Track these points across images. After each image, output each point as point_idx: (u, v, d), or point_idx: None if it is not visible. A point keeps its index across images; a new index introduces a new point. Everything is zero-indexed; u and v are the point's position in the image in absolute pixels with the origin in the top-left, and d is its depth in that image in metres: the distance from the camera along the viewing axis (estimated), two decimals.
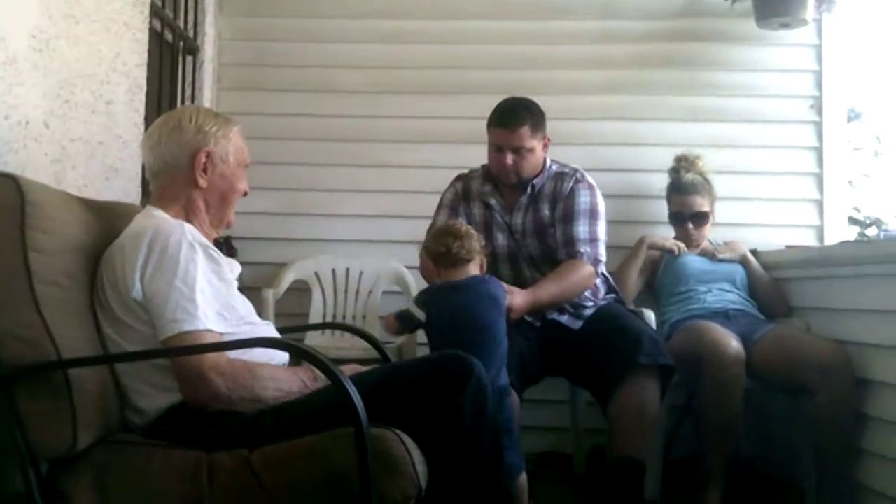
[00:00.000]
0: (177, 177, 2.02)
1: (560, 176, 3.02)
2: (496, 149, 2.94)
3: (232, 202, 2.10)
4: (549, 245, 2.96)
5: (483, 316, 2.41)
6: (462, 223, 2.66)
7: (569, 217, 2.94)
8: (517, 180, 2.95)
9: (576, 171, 3.04)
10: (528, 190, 2.98)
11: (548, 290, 2.81)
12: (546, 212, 2.97)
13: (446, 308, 2.43)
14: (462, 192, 3.09)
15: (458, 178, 3.15)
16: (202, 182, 2.02)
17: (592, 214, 2.96)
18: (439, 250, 2.50)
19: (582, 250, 2.89)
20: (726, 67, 3.93)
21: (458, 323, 2.39)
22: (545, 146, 2.99)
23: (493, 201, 3.03)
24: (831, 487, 2.83)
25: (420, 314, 2.46)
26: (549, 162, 3.05)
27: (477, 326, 2.38)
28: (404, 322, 2.51)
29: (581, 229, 2.92)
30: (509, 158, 2.90)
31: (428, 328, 2.48)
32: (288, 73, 3.98)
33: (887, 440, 2.73)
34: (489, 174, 3.06)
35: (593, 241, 2.94)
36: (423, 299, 2.51)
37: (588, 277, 2.90)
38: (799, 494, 3.07)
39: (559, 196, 2.97)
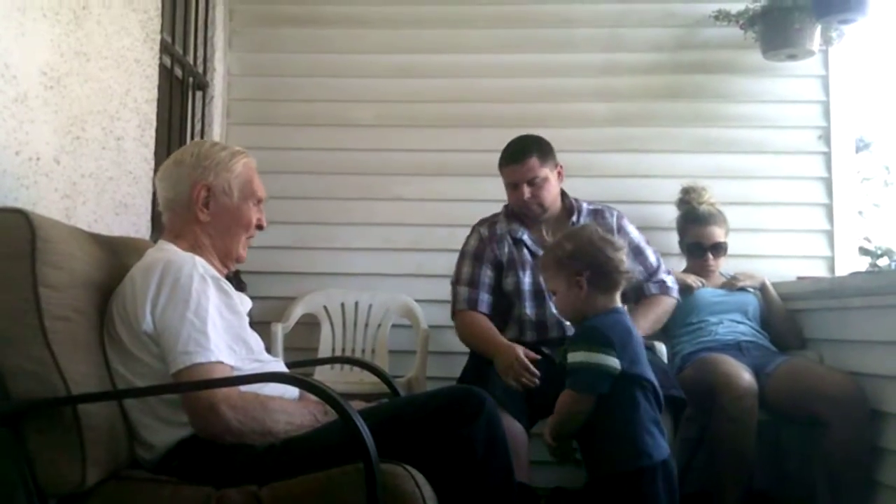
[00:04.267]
0: (179, 212, 2.03)
1: (595, 214, 3.09)
2: (513, 187, 2.99)
3: (237, 236, 2.08)
4: None
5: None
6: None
7: (637, 250, 3.06)
8: (541, 212, 2.99)
9: (608, 206, 3.13)
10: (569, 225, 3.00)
11: (643, 326, 2.90)
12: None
13: (636, 339, 2.13)
14: (489, 236, 3.06)
15: (481, 222, 3.14)
16: (203, 216, 2.02)
17: (648, 244, 3.12)
18: (609, 265, 2.13)
19: (673, 288, 3.09)
20: (733, 99, 3.95)
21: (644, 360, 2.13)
22: (559, 175, 3.03)
23: (524, 236, 3.03)
24: None
25: (614, 360, 2.02)
26: (574, 200, 3.10)
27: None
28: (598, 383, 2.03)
29: (654, 258, 3.09)
30: (527, 192, 2.94)
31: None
32: (298, 108, 4.01)
33: None
34: (513, 214, 3.08)
35: (669, 271, 3.13)
36: (609, 334, 2.05)
37: (671, 310, 3.09)
38: None
39: (609, 231, 2.92)
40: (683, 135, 3.93)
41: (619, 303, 2.19)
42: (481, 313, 2.96)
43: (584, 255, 2.15)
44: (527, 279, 2.97)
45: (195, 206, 2.01)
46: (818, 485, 3.02)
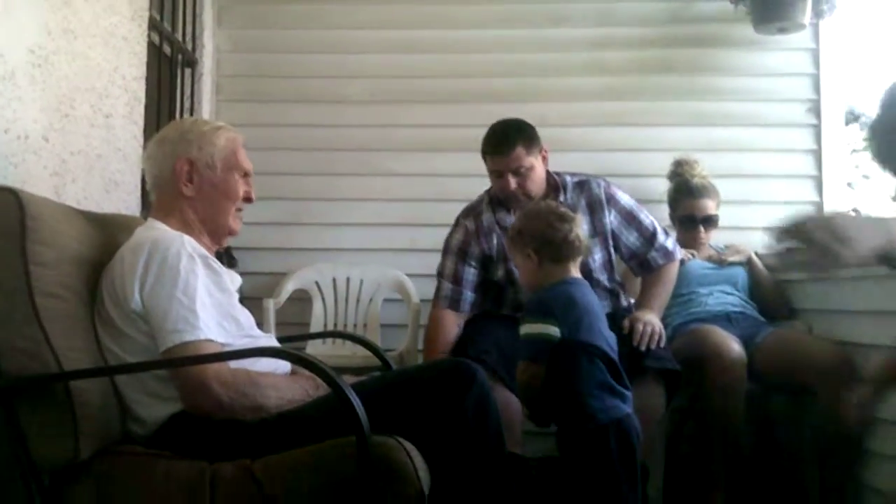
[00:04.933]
0: (166, 189, 2.04)
1: (582, 185, 3.02)
2: (497, 175, 2.92)
3: (226, 210, 2.07)
4: (610, 254, 2.98)
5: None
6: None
7: (630, 216, 3.01)
8: (528, 200, 2.90)
9: (593, 177, 3.07)
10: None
11: (659, 305, 2.96)
12: (584, 226, 2.92)
13: (582, 308, 2.20)
14: (475, 230, 2.99)
15: (465, 214, 3.06)
16: (187, 191, 2.02)
17: (639, 206, 3.07)
18: (555, 236, 2.27)
19: (675, 251, 3.08)
20: (724, 72, 3.94)
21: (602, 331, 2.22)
22: (544, 159, 2.96)
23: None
24: (834, 489, 2.84)
25: (553, 329, 2.15)
26: (557, 176, 3.03)
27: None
28: (538, 349, 2.17)
29: (650, 222, 3.04)
30: (512, 182, 2.87)
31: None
32: (289, 84, 4.00)
33: (890, 440, 2.73)
34: (498, 200, 3.01)
35: (667, 232, 3.10)
36: (551, 304, 2.19)
37: (677, 271, 3.12)
38: (802, 495, 3.07)
39: (598, 205, 2.96)
40: (675, 108, 3.93)
41: (573, 273, 2.30)
42: (463, 312, 2.96)
43: (532, 228, 2.31)
44: None
45: (179, 181, 2.01)
46: (806, 453, 3.06)
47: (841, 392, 2.79)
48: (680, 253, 3.16)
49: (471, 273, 2.97)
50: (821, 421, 2.85)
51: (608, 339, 2.22)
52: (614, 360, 2.15)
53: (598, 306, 2.29)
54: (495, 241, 2.96)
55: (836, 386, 2.79)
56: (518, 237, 2.35)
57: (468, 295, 2.97)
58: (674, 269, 3.08)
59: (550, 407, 2.14)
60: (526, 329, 2.19)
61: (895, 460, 2.70)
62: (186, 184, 2.01)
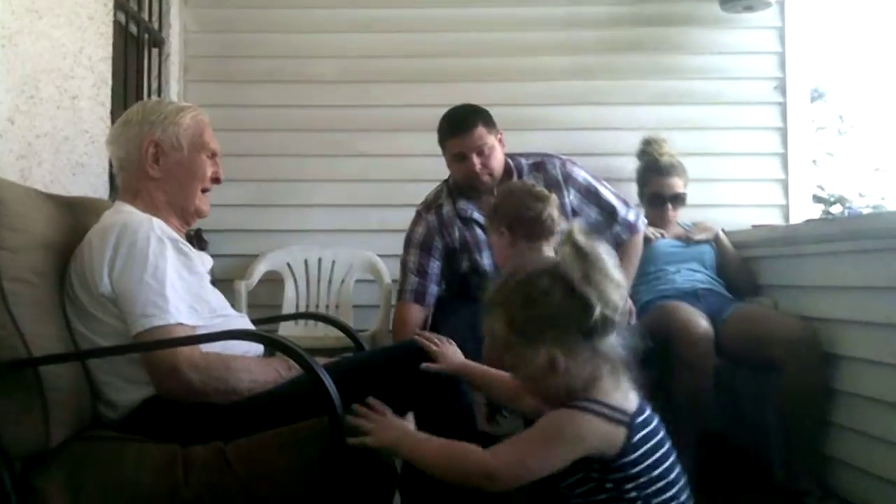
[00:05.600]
0: (132, 171, 2.02)
1: (538, 167, 3.03)
2: (460, 158, 2.92)
3: (193, 190, 2.05)
4: None
5: None
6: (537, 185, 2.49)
7: (589, 192, 3.02)
8: (492, 182, 2.92)
9: (549, 157, 3.08)
10: None
11: (629, 275, 2.99)
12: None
13: None
14: (437, 224, 2.99)
15: (426, 208, 3.06)
16: (154, 173, 2.00)
17: (598, 181, 3.07)
18: (527, 215, 2.27)
19: (637, 222, 3.10)
20: (692, 51, 3.98)
21: None
22: (501, 142, 2.98)
23: (475, 214, 2.97)
24: (799, 460, 2.89)
25: None
26: (511, 160, 3.02)
27: None
28: None
29: (611, 195, 3.05)
30: (477, 163, 2.88)
31: None
32: (257, 64, 3.97)
33: (854, 413, 2.79)
34: (458, 190, 3.01)
35: (627, 204, 3.11)
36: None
37: (642, 243, 3.15)
38: (768, 468, 3.13)
39: (556, 186, 2.95)
40: (642, 87, 3.96)
41: (546, 252, 2.25)
42: (427, 305, 2.95)
43: (506, 206, 2.31)
44: (486, 260, 2.94)
45: (145, 163, 1.99)
46: (772, 427, 3.11)
47: (805, 366, 2.86)
48: (644, 223, 3.20)
49: (435, 266, 2.98)
50: (786, 394, 2.88)
51: None
52: None
53: None
54: (457, 233, 2.97)
55: (800, 360, 2.85)
56: (493, 214, 2.37)
57: (433, 288, 2.97)
58: (638, 240, 3.13)
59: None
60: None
61: (857, 432, 2.76)
62: (153, 165, 2.00)
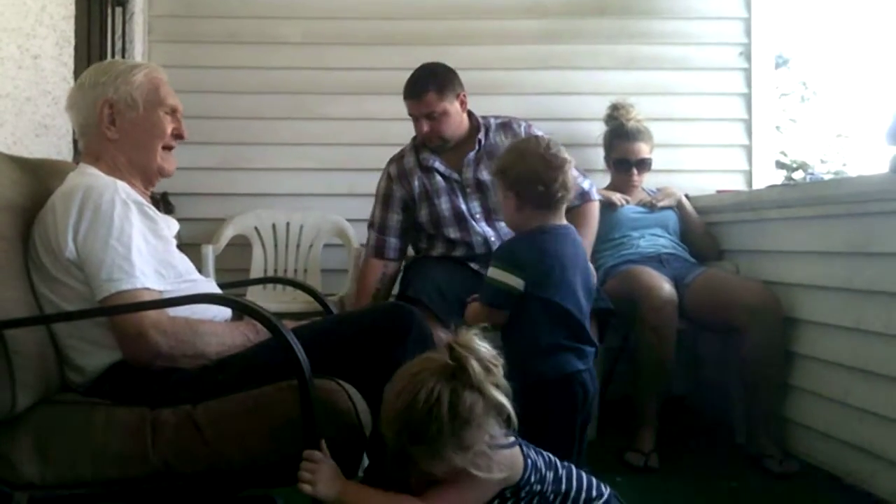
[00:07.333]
0: (91, 134, 1.99)
1: (504, 127, 3.09)
2: (414, 119, 3.03)
3: (153, 148, 2.01)
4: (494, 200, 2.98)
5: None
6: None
7: None
8: (442, 143, 3.03)
9: (515, 119, 3.12)
10: (476, 146, 3.01)
11: (588, 242, 3.02)
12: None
13: (553, 261, 2.06)
14: (397, 174, 3.11)
15: (390, 161, 3.18)
16: (111, 134, 1.97)
17: None
18: (536, 183, 2.07)
19: (591, 191, 3.15)
20: (658, 15, 3.98)
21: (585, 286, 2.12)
22: (462, 103, 3.03)
23: (436, 164, 3.06)
24: (760, 423, 2.95)
25: (517, 281, 2.04)
26: (480, 118, 3.10)
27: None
28: (499, 300, 2.07)
29: None
30: (425, 126, 2.98)
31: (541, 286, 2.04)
32: (222, 25, 3.91)
33: (813, 376, 2.86)
34: (423, 142, 3.09)
35: (584, 174, 3.14)
36: (520, 254, 2.06)
37: (598, 212, 3.19)
38: (729, 431, 3.20)
39: None
40: (609, 52, 3.97)
41: (555, 220, 2.12)
42: (388, 259, 3.10)
43: (515, 171, 2.11)
44: (444, 205, 3.03)
45: (101, 125, 1.96)
46: (732, 390, 3.18)
47: (767, 331, 2.92)
48: (599, 195, 3.24)
49: (394, 220, 3.10)
50: (747, 358, 2.94)
51: (577, 292, 2.08)
52: (576, 321, 2.06)
53: (574, 256, 2.11)
54: (416, 183, 3.06)
55: (762, 325, 2.91)
56: (500, 175, 2.17)
57: (392, 241, 3.10)
58: (593, 208, 3.17)
59: (504, 356, 2.12)
60: (491, 273, 2.07)
61: (816, 395, 2.84)
62: (109, 127, 1.96)
